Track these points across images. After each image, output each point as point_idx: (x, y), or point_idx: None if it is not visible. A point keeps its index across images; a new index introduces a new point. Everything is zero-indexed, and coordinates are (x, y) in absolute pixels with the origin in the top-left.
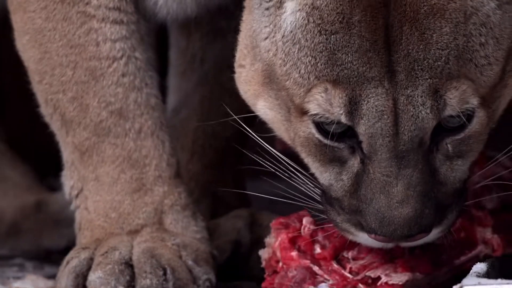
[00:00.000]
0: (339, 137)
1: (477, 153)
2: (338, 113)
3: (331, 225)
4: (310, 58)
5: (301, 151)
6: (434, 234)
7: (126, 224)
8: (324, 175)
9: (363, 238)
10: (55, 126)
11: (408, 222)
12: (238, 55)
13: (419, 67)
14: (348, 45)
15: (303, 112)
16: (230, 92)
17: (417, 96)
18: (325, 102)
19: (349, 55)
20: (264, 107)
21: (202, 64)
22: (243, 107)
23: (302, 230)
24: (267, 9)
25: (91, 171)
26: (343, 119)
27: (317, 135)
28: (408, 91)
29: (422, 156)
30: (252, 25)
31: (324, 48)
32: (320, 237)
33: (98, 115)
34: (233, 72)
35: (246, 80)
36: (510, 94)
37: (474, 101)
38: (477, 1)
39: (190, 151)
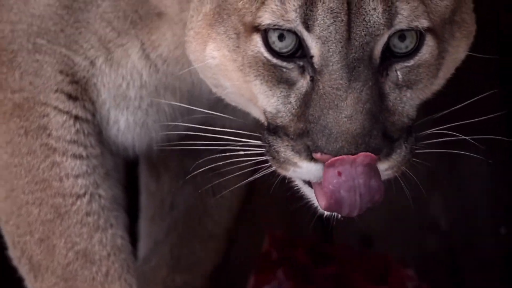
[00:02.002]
0: (288, 56)
1: (425, 88)
2: (292, 17)
3: None
4: None
5: (249, 74)
6: (383, 167)
7: None
8: (272, 100)
9: (306, 168)
10: (23, 270)
11: (355, 139)
12: (188, 22)
13: None
14: None
15: (253, 29)
16: (201, 239)
17: (369, 0)
18: (280, 10)
19: None
20: (211, 50)
21: (172, 209)
22: (214, 253)
23: None
24: None
25: None
26: (298, 22)
27: (266, 54)
28: None
29: (372, 73)
30: None
31: None
32: None
33: (65, 257)
34: (204, 215)
35: (193, 35)
36: (458, 49)
37: (424, 22)
38: None
39: None
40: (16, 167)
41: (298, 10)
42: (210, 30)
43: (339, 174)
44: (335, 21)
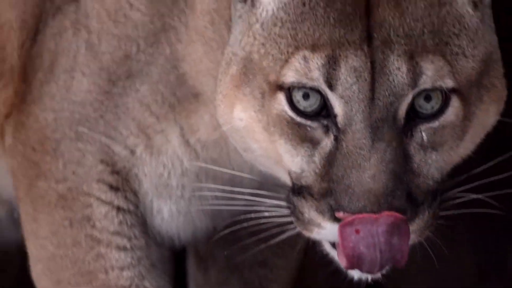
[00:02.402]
0: (312, 115)
1: (451, 151)
2: (316, 76)
3: None
4: (291, 31)
5: (274, 134)
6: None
7: None
8: (296, 159)
9: (329, 229)
10: None
11: (377, 198)
12: (217, 86)
13: (395, 34)
14: (331, 11)
15: (277, 88)
16: None
17: (393, 60)
18: (303, 68)
19: (331, 19)
20: (238, 112)
21: None
22: None
23: None
24: (240, 17)
25: None
26: (321, 81)
27: (290, 113)
28: (384, 56)
29: (396, 134)
30: (229, 44)
31: (307, 17)
32: None
33: None
34: None
35: (222, 97)
36: (487, 113)
37: (449, 82)
38: None
39: None
40: (62, 258)
41: (321, 69)
42: (237, 91)
43: (357, 231)
44: (358, 80)
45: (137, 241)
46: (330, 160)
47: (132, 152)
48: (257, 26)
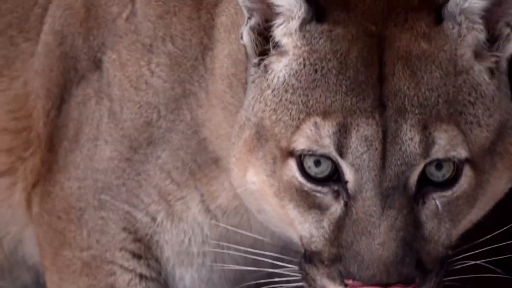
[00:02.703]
0: (323, 180)
1: (463, 218)
2: (327, 143)
3: None
4: (303, 97)
5: (285, 199)
6: None
7: None
8: (305, 225)
9: None
10: None
11: (387, 266)
12: (231, 150)
13: (409, 103)
14: (343, 78)
15: (288, 154)
16: None
17: (406, 130)
18: (314, 135)
19: (344, 86)
20: (251, 175)
21: None
22: None
23: None
24: (253, 82)
25: None
26: (332, 148)
27: (300, 179)
28: (397, 125)
29: (407, 201)
30: (244, 108)
31: (318, 84)
32: None
33: None
34: None
35: (236, 160)
36: (500, 180)
37: (462, 152)
38: (468, 64)
39: None
40: None
41: (332, 137)
42: (250, 155)
43: None
44: (369, 149)
45: None
46: (339, 226)
47: (154, 219)
48: (269, 92)
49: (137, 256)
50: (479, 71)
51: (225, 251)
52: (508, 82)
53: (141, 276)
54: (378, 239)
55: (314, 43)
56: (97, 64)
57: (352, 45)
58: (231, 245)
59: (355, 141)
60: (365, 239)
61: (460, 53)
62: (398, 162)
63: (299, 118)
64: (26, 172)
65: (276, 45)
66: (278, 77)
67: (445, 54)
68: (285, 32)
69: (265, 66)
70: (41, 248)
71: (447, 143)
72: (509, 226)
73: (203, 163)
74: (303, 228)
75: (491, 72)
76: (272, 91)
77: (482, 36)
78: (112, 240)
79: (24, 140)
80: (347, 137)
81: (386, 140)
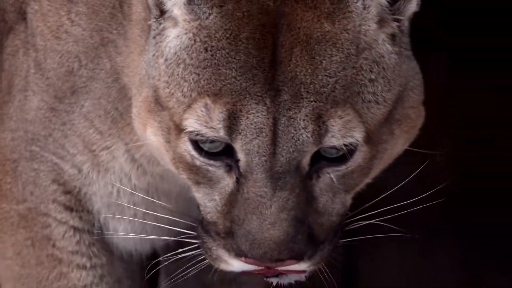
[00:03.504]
0: (216, 154)
1: (357, 187)
2: (217, 126)
3: None
4: (194, 75)
5: (179, 169)
6: (304, 267)
7: None
8: (199, 194)
9: (237, 266)
10: None
11: (278, 245)
12: (133, 99)
13: (305, 90)
14: (234, 61)
15: (181, 130)
16: None
17: (299, 119)
18: (205, 116)
19: (234, 70)
20: (150, 133)
21: None
22: None
23: None
24: (154, 37)
25: None
26: (222, 133)
27: (193, 152)
28: (291, 113)
29: (300, 180)
30: (144, 60)
31: (208, 64)
32: None
33: None
34: None
35: (136, 113)
36: (396, 145)
37: (357, 135)
38: (371, 38)
39: None
40: (27, 278)
41: (222, 122)
42: (149, 116)
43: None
44: (258, 136)
45: (98, 259)
46: (231, 201)
47: (80, 171)
48: (161, 60)
49: (69, 208)
50: (383, 40)
51: (155, 200)
52: (409, 43)
53: (74, 228)
54: (269, 219)
55: (203, 18)
56: (23, 15)
57: (243, 24)
58: (161, 194)
59: (244, 128)
60: (256, 219)
61: (364, 29)
62: (290, 149)
63: (190, 96)
64: None
65: (170, 12)
66: (170, 47)
67: (347, 35)
68: (175, 2)
69: (163, 28)
70: None
71: (341, 129)
72: (402, 184)
73: (125, 111)
74: (198, 197)
75: (393, 37)
76: (165, 61)
77: (384, 0)
78: (45, 192)
79: None
80: (237, 123)
81: (278, 127)
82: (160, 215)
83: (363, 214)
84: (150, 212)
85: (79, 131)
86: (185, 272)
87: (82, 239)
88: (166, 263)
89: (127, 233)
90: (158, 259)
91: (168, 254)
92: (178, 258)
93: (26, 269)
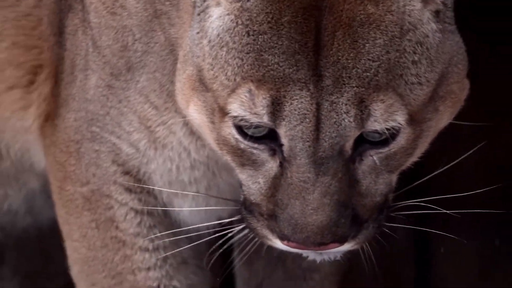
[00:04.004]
0: (260, 138)
1: (404, 167)
2: (260, 112)
3: None
4: (237, 60)
5: (223, 151)
6: (347, 247)
7: None
8: (243, 176)
9: (282, 246)
10: None
11: (321, 230)
12: (176, 72)
13: (347, 75)
14: (276, 46)
15: (225, 113)
16: None
17: (342, 104)
18: (248, 102)
19: (276, 56)
20: (193, 111)
21: None
22: None
23: None
24: (198, 14)
25: None
26: (265, 119)
27: (237, 136)
28: (333, 97)
29: (342, 165)
30: (188, 36)
31: (251, 49)
32: None
33: None
34: None
35: (179, 88)
36: (441, 120)
37: (400, 119)
38: (416, 18)
39: None
40: (93, 261)
41: (265, 108)
42: (192, 93)
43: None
44: (302, 122)
45: (160, 241)
46: (275, 185)
47: (137, 149)
48: (205, 42)
49: (128, 190)
50: (427, 19)
51: (216, 173)
52: (453, 17)
53: (135, 210)
54: (312, 205)
55: (244, 0)
56: None
57: (285, 7)
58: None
59: (288, 114)
60: (299, 204)
61: (409, 9)
62: (333, 135)
63: (234, 80)
64: (40, 100)
65: None
66: (213, 28)
67: (391, 17)
68: None
69: (207, 6)
70: (51, 182)
71: (383, 113)
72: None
73: None
74: (242, 178)
75: (437, 14)
76: (209, 43)
77: None
78: (106, 173)
79: (35, 58)
80: (281, 109)
81: (321, 112)
82: (222, 188)
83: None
84: (212, 186)
85: (135, 108)
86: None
87: (143, 221)
88: (238, 238)
89: (192, 210)
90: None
91: (221, 233)
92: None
93: (92, 252)
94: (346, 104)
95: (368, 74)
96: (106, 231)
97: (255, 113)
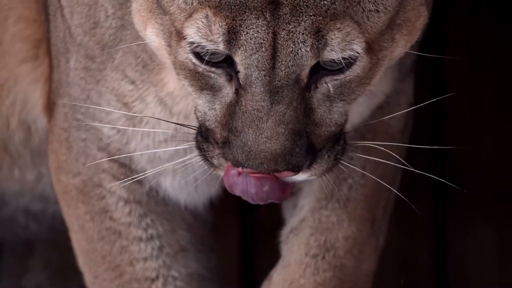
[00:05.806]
0: (217, 63)
1: (359, 96)
2: (217, 40)
3: None
4: None
5: (180, 75)
6: (304, 177)
7: None
8: (199, 102)
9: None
10: None
11: (275, 157)
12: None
13: (305, 3)
14: None
15: (182, 37)
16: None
17: (298, 33)
18: (205, 28)
19: None
20: (151, 34)
21: None
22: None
23: None
24: None
25: None
26: (221, 47)
27: (194, 60)
28: (290, 27)
29: (298, 94)
30: None
31: None
32: None
33: None
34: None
35: (136, 9)
36: (397, 49)
37: (357, 47)
38: None
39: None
40: (93, 253)
41: (222, 36)
42: (150, 15)
43: (239, 174)
44: (258, 51)
45: (154, 230)
46: (230, 112)
47: (117, 129)
48: None
49: (115, 177)
50: None
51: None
52: None
53: (123, 199)
54: (265, 133)
55: None
56: None
57: None
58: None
59: (244, 43)
60: (253, 132)
61: None
62: (290, 64)
63: (192, 4)
64: (43, 79)
65: None
66: None
67: None
68: None
69: None
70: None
71: (340, 42)
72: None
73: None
74: (198, 103)
75: None
76: None
77: None
78: (94, 161)
79: (36, 31)
80: (237, 37)
81: (277, 41)
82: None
83: None
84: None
85: (112, 86)
86: None
87: (132, 210)
88: None
89: (176, 187)
90: None
91: (176, 161)
92: None
93: (91, 244)
94: (303, 34)
95: (325, 2)
96: (101, 222)
97: (211, 40)
